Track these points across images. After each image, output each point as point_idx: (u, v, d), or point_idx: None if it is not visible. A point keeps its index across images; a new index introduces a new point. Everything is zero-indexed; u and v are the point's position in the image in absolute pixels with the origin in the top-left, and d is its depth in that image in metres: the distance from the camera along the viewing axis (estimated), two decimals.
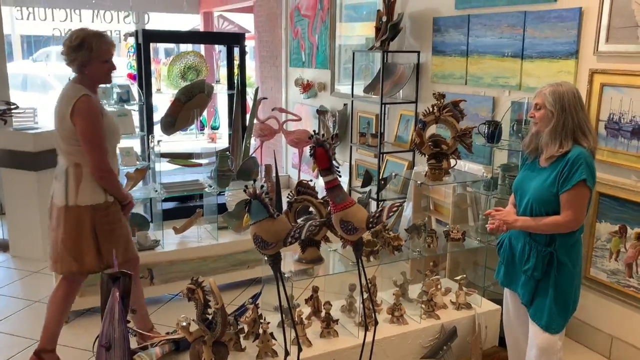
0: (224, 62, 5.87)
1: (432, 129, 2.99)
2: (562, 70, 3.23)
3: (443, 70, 4.16)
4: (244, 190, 1.98)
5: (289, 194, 2.57)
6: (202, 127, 5.54)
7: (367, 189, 4.65)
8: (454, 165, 2.93)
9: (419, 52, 4.35)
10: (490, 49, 3.72)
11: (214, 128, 5.67)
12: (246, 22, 10.82)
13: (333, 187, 2.15)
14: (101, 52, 2.62)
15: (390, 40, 4.36)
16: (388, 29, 4.29)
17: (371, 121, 5.01)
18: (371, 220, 2.14)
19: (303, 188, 2.51)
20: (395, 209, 2.12)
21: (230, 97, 5.54)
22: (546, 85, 2.33)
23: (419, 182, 2.79)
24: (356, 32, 5.29)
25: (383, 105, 4.40)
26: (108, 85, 4.92)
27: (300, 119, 5.87)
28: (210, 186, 3.86)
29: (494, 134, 3.07)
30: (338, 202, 2.15)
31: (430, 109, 2.82)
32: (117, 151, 2.96)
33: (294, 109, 6.35)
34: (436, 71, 4.22)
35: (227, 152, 3.89)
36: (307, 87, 6.02)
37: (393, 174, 4.01)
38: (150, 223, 4.03)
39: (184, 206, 5.18)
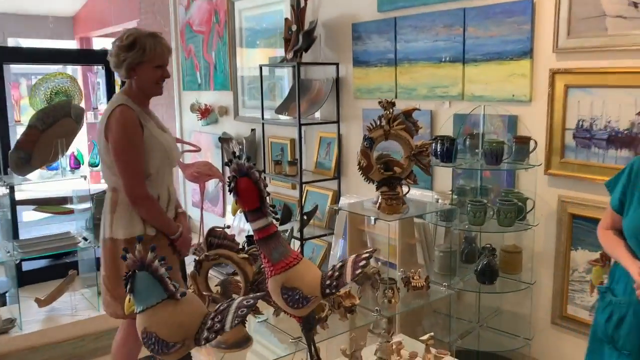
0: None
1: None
2: (514, 73, 2.75)
3: (367, 84, 3.58)
4: (122, 257, 1.18)
5: (196, 248, 1.78)
6: (78, 165, 4.53)
7: (287, 226, 3.93)
8: (407, 193, 2.29)
9: (337, 64, 3.75)
10: (423, 54, 3.19)
11: (94, 165, 4.67)
12: None
13: (268, 236, 1.41)
14: (155, 54, 2.24)
15: (304, 51, 3.72)
16: (301, 37, 3.66)
17: (285, 147, 4.32)
18: (328, 283, 1.41)
19: (217, 238, 1.73)
20: (363, 262, 1.41)
21: None
22: None
23: (372, 217, 2.11)
24: (257, 58, 4.61)
25: (301, 127, 3.72)
26: None
27: (199, 150, 5.01)
28: (86, 239, 2.93)
29: (450, 151, 2.48)
30: (276, 259, 1.41)
31: (377, 122, 2.17)
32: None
33: (191, 139, 5.50)
34: (359, 85, 3.63)
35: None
36: (205, 113, 5.21)
37: (335, 208, 3.31)
38: (4, 295, 2.99)
39: (54, 264, 4.07)
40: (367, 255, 1.42)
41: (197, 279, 1.77)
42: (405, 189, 2.29)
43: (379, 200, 2.16)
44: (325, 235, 3.93)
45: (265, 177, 4.22)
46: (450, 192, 2.65)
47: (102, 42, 9.02)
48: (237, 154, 1.37)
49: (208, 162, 4.84)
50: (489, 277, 2.48)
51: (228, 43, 4.85)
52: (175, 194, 2.45)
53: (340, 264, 1.46)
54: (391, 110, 2.16)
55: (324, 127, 3.93)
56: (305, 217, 3.80)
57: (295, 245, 3.88)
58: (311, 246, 4.06)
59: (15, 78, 7.54)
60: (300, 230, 3.73)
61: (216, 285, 1.85)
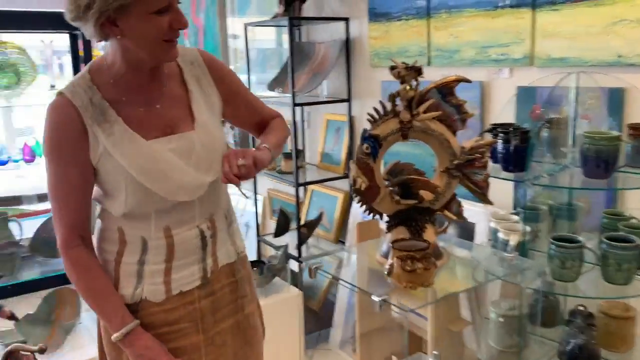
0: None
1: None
2: (622, 19, 1.68)
3: (389, 45, 2.54)
4: None
5: None
6: (33, 157, 3.71)
7: (282, 240, 2.98)
8: (445, 229, 1.28)
9: (347, 20, 2.71)
10: None
11: None
12: None
13: None
14: None
15: (301, 1, 2.70)
16: None
17: None
18: None
19: None
20: None
21: None
22: None
23: (376, 299, 1.09)
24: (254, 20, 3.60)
25: (296, 108, 2.73)
26: None
27: None
28: None
29: (520, 153, 1.44)
30: None
31: (390, 106, 1.15)
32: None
33: None
34: (377, 47, 2.60)
35: (6, 212, 2.07)
36: None
37: (316, 267, 2.27)
38: None
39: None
40: None
41: None
42: (446, 221, 1.28)
43: (390, 259, 1.14)
44: (335, 251, 2.95)
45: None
46: (516, 217, 1.61)
47: None
48: None
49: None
50: None
51: (217, 0, 3.85)
52: (208, 243, 1.32)
53: None
54: (414, 84, 1.13)
55: (331, 107, 2.91)
56: (305, 229, 2.83)
57: (293, 266, 2.93)
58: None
59: None
60: (298, 247, 2.77)
61: None
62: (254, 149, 1.29)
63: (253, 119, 1.44)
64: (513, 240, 1.43)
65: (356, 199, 1.19)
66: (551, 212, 1.71)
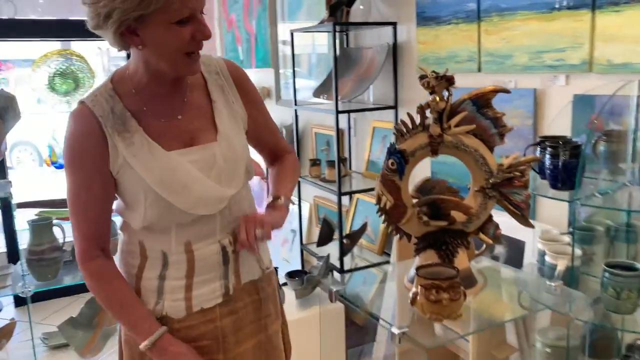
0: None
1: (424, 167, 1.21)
2: None
3: (437, 50, 2.43)
4: None
5: None
6: None
7: (327, 249, 2.91)
8: (482, 253, 1.17)
9: (395, 24, 2.62)
10: (523, 0, 2.00)
11: None
12: None
13: None
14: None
15: (347, 6, 2.63)
16: None
17: (331, 140, 3.27)
18: None
19: None
20: None
21: None
22: None
23: (394, 331, 1.00)
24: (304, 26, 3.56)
25: (343, 114, 2.66)
26: None
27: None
28: (25, 275, 2.10)
29: (570, 169, 1.31)
30: None
31: (419, 119, 1.07)
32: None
33: None
34: (425, 52, 2.49)
35: (51, 217, 2.12)
36: None
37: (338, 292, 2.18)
38: None
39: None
40: None
41: None
42: (478, 244, 1.17)
43: (414, 286, 1.05)
44: (380, 264, 2.86)
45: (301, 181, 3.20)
46: (567, 239, 1.47)
47: None
48: None
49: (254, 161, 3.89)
50: None
51: (268, 6, 3.85)
52: (229, 258, 1.27)
53: None
54: (446, 95, 1.04)
55: (377, 114, 2.83)
56: (348, 240, 2.75)
57: (336, 276, 2.85)
58: (360, 277, 3.00)
59: None
60: (340, 258, 2.69)
61: None
62: (270, 207, 1.29)
63: (269, 140, 1.41)
64: (561, 265, 1.30)
65: (381, 218, 1.11)
66: (608, 234, 1.55)
